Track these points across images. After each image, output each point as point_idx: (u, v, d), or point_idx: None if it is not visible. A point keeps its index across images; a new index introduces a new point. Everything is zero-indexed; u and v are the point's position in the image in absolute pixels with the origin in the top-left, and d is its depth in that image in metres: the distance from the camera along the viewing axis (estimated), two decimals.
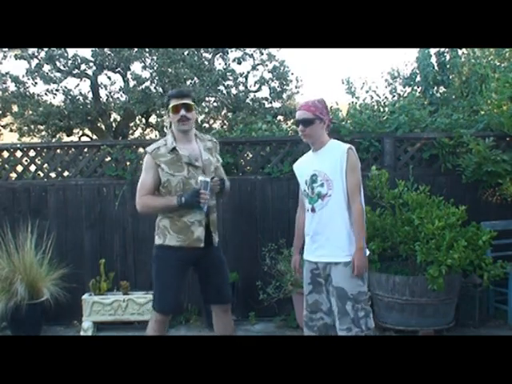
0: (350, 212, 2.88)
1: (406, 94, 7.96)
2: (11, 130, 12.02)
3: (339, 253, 2.87)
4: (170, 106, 2.95)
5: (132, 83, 10.83)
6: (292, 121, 10.03)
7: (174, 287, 2.96)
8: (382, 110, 6.50)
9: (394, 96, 8.40)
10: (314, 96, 2.98)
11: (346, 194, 2.88)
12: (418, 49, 7.96)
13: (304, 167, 3.07)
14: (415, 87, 8.10)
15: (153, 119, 12.50)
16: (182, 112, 2.92)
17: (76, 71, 10.77)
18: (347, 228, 2.88)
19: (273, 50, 11.73)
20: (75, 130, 12.03)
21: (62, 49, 10.28)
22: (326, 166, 2.91)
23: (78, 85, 11.20)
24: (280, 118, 11.34)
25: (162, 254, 3.00)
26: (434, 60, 7.86)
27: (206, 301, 3.23)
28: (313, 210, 2.94)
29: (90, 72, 10.98)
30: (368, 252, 2.98)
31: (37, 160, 5.13)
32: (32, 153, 5.12)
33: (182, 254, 2.95)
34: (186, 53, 10.67)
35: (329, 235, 2.89)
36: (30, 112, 10.80)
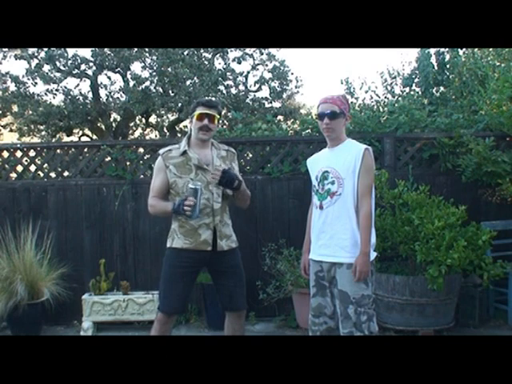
0: (358, 214, 2.81)
1: (405, 94, 7.96)
2: (11, 130, 12.04)
3: (341, 253, 2.80)
4: (196, 112, 2.97)
5: (132, 83, 10.83)
6: (292, 121, 10.05)
7: (178, 289, 2.97)
8: (381, 109, 6.50)
9: (393, 96, 8.40)
10: (336, 92, 2.96)
11: (356, 195, 2.81)
12: (418, 49, 7.97)
13: (317, 162, 3.01)
14: (414, 87, 8.10)
15: (153, 119, 12.52)
16: (206, 122, 2.94)
17: (76, 71, 10.79)
18: (353, 229, 2.81)
19: (273, 50, 11.74)
20: (75, 130, 12.05)
21: (62, 49, 10.28)
22: (340, 163, 2.85)
23: (78, 85, 11.22)
24: (280, 117, 11.34)
25: (170, 255, 3.02)
26: (433, 60, 7.86)
27: (220, 306, 3.21)
28: (321, 206, 2.89)
29: (90, 72, 10.99)
30: (375, 254, 2.90)
31: (37, 160, 5.13)
32: (32, 153, 5.13)
33: (189, 257, 2.96)
34: (185, 53, 10.67)
35: (333, 234, 2.83)
36: (30, 112, 10.81)
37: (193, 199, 2.81)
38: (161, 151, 3.04)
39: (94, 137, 11.92)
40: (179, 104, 10.76)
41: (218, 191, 2.97)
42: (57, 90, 11.00)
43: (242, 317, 3.12)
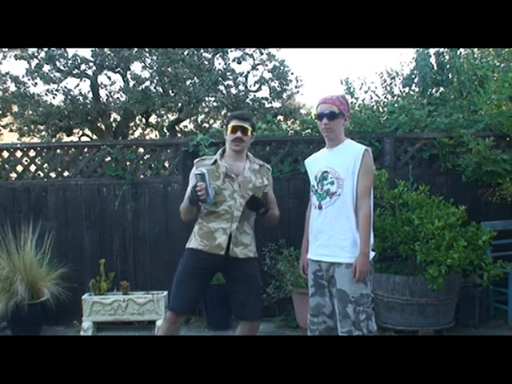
0: (357, 214, 2.81)
1: (404, 94, 7.96)
2: (11, 130, 12.02)
3: (340, 253, 2.80)
4: (230, 125, 3.08)
5: (132, 83, 10.82)
6: (292, 121, 10.05)
7: (189, 289, 2.99)
8: (381, 110, 6.50)
9: (393, 96, 8.40)
10: (336, 92, 2.96)
11: (355, 196, 2.82)
12: (415, 49, 7.97)
13: (316, 163, 3.02)
14: (414, 87, 8.10)
15: (153, 119, 12.49)
16: (238, 134, 3.04)
17: (76, 71, 10.76)
18: (352, 230, 2.81)
19: (273, 50, 11.72)
20: (75, 130, 12.02)
21: (62, 49, 10.27)
22: (339, 164, 2.86)
23: (78, 85, 11.19)
24: (280, 117, 11.33)
25: (185, 255, 3.09)
26: (433, 60, 7.86)
27: (234, 314, 3.23)
28: (320, 207, 2.89)
29: (90, 72, 10.97)
30: (374, 254, 2.90)
31: (37, 160, 5.14)
32: (32, 153, 5.13)
33: (203, 258, 3.00)
34: (185, 53, 10.66)
35: (332, 234, 2.84)
36: (30, 112, 10.79)
37: (201, 183, 2.90)
38: (195, 160, 3.19)
39: (94, 137, 11.90)
40: (179, 104, 10.75)
41: (241, 200, 3.01)
42: (57, 90, 10.98)
43: (254, 329, 3.10)
